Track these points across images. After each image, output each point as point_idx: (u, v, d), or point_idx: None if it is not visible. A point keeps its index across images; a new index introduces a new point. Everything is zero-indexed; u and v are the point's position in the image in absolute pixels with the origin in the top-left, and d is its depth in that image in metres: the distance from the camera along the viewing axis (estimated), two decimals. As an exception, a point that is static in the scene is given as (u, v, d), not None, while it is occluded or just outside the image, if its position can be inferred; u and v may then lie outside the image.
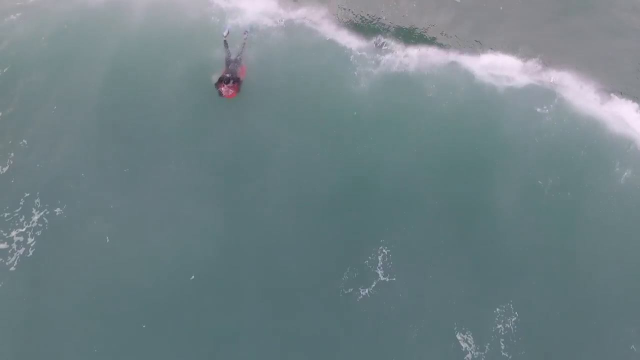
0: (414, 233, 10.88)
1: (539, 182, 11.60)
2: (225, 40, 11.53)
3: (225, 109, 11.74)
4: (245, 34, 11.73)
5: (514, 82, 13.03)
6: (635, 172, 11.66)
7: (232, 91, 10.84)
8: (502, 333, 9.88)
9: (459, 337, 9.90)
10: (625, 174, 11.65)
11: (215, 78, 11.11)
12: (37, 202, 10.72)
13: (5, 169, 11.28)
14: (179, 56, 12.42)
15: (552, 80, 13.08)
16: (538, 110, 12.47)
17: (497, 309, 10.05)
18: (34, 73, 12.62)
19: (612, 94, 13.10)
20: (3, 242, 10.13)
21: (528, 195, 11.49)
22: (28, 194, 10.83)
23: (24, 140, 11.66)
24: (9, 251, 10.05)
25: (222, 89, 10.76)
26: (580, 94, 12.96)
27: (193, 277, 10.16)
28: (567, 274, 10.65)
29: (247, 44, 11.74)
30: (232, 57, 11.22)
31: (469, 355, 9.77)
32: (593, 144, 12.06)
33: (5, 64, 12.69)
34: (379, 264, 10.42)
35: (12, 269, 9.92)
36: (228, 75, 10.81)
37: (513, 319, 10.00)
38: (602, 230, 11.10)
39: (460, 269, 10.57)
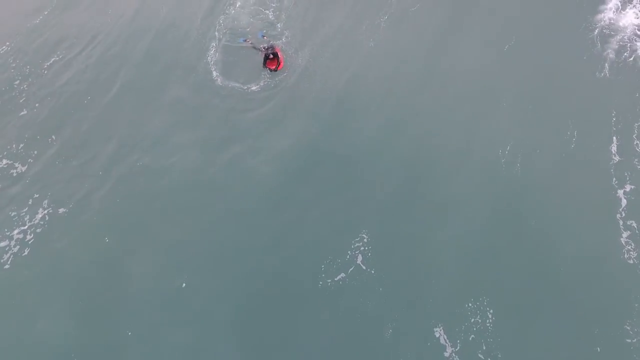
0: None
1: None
2: (251, 43, 14.78)
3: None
4: (263, 37, 15.04)
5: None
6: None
7: (278, 63, 14.22)
8: (477, 328, 9.59)
9: (436, 333, 9.72)
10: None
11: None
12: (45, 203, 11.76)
13: (24, 169, 12.42)
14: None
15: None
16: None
17: (470, 304, 9.79)
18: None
19: None
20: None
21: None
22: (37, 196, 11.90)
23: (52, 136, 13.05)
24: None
25: (269, 66, 14.22)
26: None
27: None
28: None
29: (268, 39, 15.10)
30: (263, 46, 14.53)
31: (447, 352, 9.56)
32: None
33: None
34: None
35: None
36: (269, 54, 14.08)
37: (489, 314, 9.71)
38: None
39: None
